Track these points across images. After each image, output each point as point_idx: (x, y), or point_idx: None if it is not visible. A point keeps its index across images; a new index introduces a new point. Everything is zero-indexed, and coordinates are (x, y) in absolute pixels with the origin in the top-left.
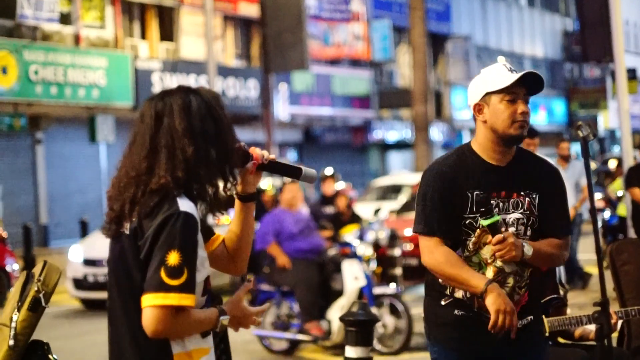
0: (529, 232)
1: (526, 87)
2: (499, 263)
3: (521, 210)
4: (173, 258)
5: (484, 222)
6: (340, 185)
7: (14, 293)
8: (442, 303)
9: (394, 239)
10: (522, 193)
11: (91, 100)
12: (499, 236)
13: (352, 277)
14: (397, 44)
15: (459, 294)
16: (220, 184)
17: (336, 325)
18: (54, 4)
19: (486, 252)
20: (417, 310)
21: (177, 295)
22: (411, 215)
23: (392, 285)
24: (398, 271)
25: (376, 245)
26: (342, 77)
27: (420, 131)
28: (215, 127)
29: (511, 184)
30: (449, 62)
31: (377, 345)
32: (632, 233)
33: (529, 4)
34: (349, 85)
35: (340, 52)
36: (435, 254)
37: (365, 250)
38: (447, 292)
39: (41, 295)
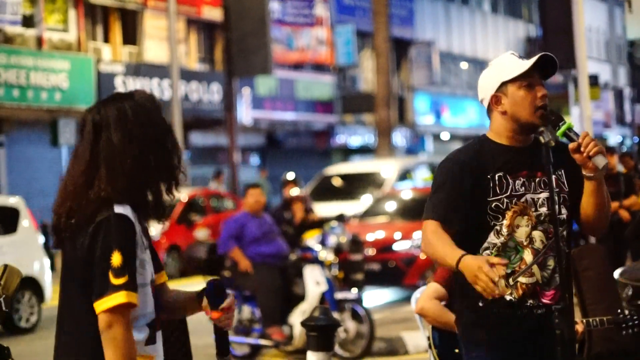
0: (563, 210)
1: (540, 71)
2: (536, 245)
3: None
4: (116, 259)
5: (559, 133)
6: (295, 191)
7: None
8: (480, 304)
9: (356, 244)
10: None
11: (54, 103)
12: (584, 132)
13: (314, 282)
14: (361, 49)
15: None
16: (164, 188)
17: (298, 330)
18: (17, 6)
19: (521, 235)
20: (379, 315)
21: (124, 293)
22: (373, 220)
23: (354, 291)
24: (360, 276)
25: (338, 250)
26: (306, 82)
27: (383, 136)
28: (153, 132)
29: (533, 163)
30: (412, 67)
31: (338, 350)
32: (593, 239)
33: (492, 10)
34: (312, 89)
35: (304, 57)
36: (427, 234)
37: (326, 255)
38: None
39: (1, 299)
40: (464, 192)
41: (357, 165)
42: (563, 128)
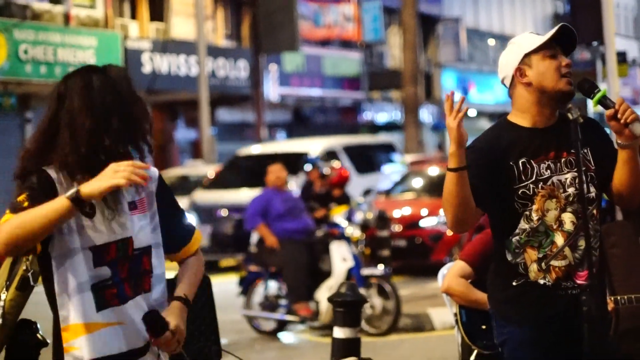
0: (591, 189)
1: (561, 46)
2: (566, 227)
3: (576, 168)
4: (21, 198)
5: (595, 100)
6: (335, 166)
7: (2, 272)
8: (514, 284)
9: (383, 220)
10: (572, 150)
11: None
12: (619, 99)
13: (341, 258)
14: (388, 25)
15: (532, 274)
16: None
17: (324, 306)
18: None
19: (550, 219)
20: (405, 292)
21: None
22: (400, 197)
23: (381, 267)
24: (387, 252)
25: (365, 227)
26: (333, 58)
27: (410, 113)
28: (117, 99)
29: (559, 143)
30: (439, 43)
31: (365, 326)
32: (620, 216)
33: None
34: (339, 66)
35: (331, 33)
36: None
37: (353, 231)
38: (520, 270)
39: (29, 274)
40: (483, 178)
41: (274, 146)
42: (598, 95)
